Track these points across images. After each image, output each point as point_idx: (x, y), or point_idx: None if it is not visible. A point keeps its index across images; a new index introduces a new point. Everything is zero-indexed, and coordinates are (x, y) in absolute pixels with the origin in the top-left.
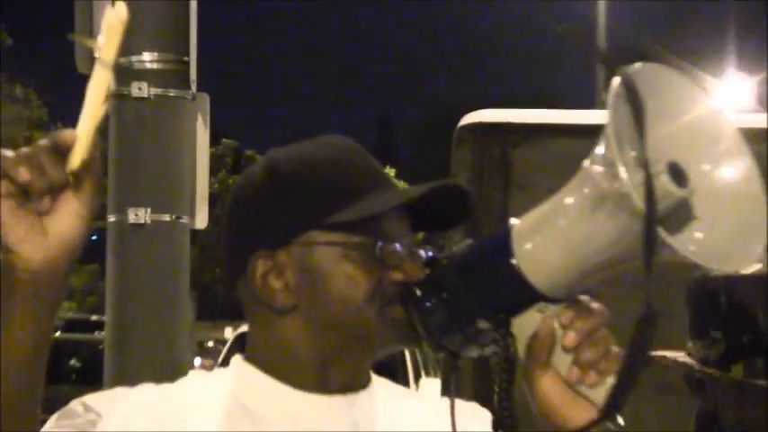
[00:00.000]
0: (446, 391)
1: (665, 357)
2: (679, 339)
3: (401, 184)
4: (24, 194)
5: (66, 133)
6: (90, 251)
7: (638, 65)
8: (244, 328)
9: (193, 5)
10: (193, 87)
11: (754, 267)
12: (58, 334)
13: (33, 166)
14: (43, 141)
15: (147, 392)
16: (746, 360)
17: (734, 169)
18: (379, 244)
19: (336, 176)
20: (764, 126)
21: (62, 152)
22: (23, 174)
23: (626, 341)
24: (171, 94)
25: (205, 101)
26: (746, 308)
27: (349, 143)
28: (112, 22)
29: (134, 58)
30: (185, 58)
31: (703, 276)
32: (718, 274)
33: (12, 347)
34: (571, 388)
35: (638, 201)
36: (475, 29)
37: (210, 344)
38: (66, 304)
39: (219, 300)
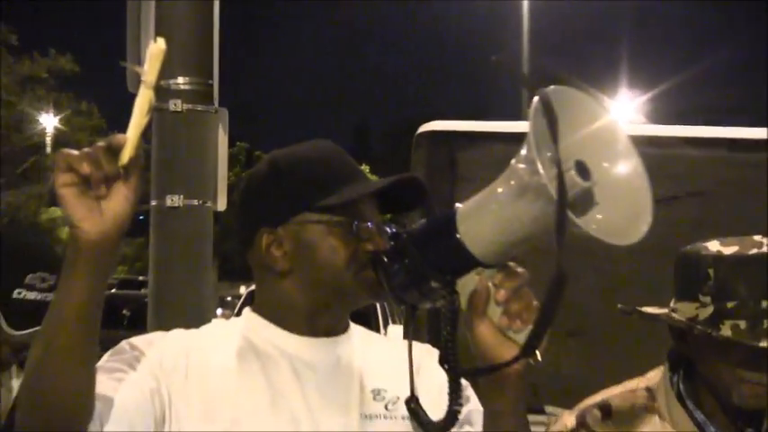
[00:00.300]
0: (406, 335)
1: (655, 313)
2: (586, 297)
3: (373, 178)
4: (86, 183)
5: (118, 137)
6: (138, 227)
7: (552, 87)
8: (253, 287)
9: (216, 42)
10: (216, 104)
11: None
12: (113, 290)
13: (92, 162)
14: (100, 143)
15: (178, 335)
16: (732, 322)
17: (625, 166)
18: (356, 222)
19: (323, 171)
20: (648, 134)
21: (115, 151)
22: (85, 167)
23: (542, 297)
24: (199, 109)
25: (224, 114)
26: (731, 280)
27: (332, 145)
28: (154, 53)
29: (171, 81)
30: (210, 82)
31: (695, 252)
32: (707, 252)
33: (75, 300)
34: (501, 332)
35: (552, 190)
36: (432, 56)
37: (229, 299)
38: (119, 267)
39: (235, 265)
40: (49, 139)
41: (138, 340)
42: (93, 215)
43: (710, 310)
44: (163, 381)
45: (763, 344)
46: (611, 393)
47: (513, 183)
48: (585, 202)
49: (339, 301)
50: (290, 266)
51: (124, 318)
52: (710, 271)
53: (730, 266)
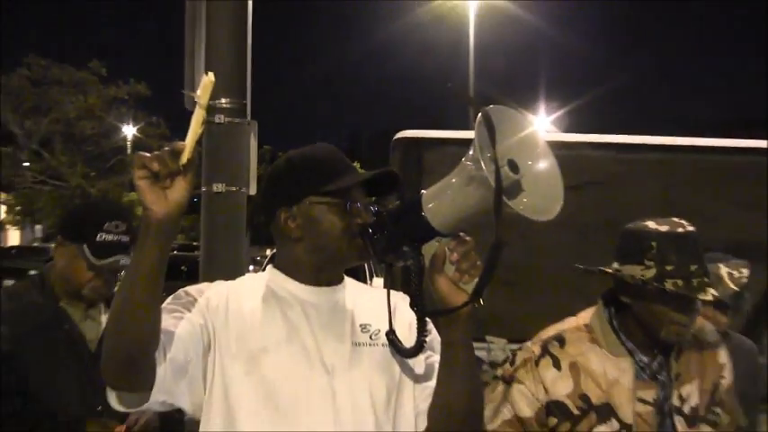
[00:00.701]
0: (386, 285)
1: (610, 271)
2: (515, 257)
3: (361, 171)
4: (155, 177)
5: (179, 143)
6: (192, 206)
7: (491, 106)
8: (275, 250)
9: (248, 72)
10: (248, 117)
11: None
12: (174, 252)
13: (160, 161)
14: (166, 147)
15: (221, 285)
16: (672, 280)
17: (544, 163)
18: (349, 203)
19: (325, 166)
20: (560, 139)
21: (177, 154)
22: (155, 165)
23: (485, 258)
24: (236, 122)
25: (255, 125)
26: (669, 250)
27: (331, 147)
28: (206, 83)
29: (216, 101)
30: (244, 102)
31: (639, 229)
32: (649, 229)
33: (147, 260)
34: (454, 284)
35: (492, 181)
36: (410, 81)
37: (258, 258)
38: (179, 236)
39: (263, 233)
40: (129, 144)
41: (191, 288)
42: (160, 200)
43: (654, 271)
44: (209, 318)
45: (698, 296)
46: (561, 329)
47: (463, 175)
48: (515, 189)
49: (336, 260)
50: (301, 235)
51: (182, 272)
52: (653, 243)
53: (668, 240)
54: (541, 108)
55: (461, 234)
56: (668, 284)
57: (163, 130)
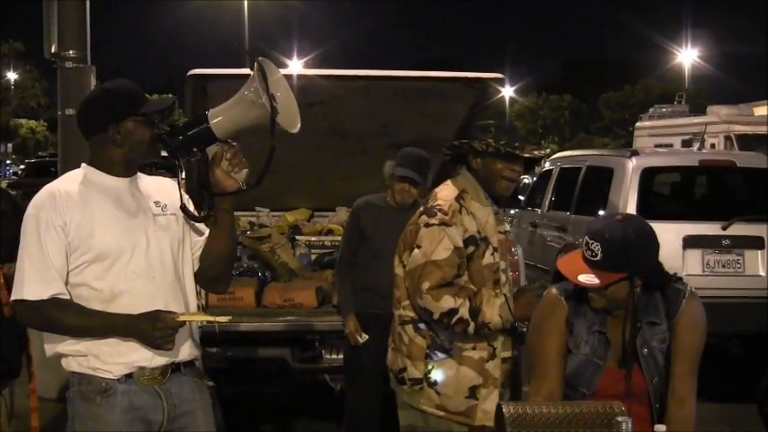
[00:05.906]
0: (178, 174)
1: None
2: (286, 156)
3: (154, 99)
4: None
5: None
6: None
7: (261, 58)
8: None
9: (88, 30)
10: (89, 62)
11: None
12: (47, 158)
13: None
14: None
15: (47, 190)
16: (508, 148)
17: (288, 97)
18: (152, 121)
19: (134, 96)
20: (299, 73)
21: None
22: None
23: (263, 157)
24: (81, 66)
25: (93, 68)
26: (501, 134)
27: (132, 83)
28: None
29: (67, 52)
30: (85, 52)
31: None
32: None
33: None
34: (228, 174)
35: (268, 106)
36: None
37: None
38: (50, 147)
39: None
40: (12, 84)
41: (38, 212)
42: None
43: (493, 144)
44: (57, 216)
45: (524, 154)
46: (456, 191)
47: (244, 102)
48: (275, 112)
49: (140, 158)
50: (122, 142)
51: (52, 172)
52: (492, 129)
53: (500, 129)
54: (295, 55)
55: (231, 140)
56: (504, 148)
57: (34, 74)
